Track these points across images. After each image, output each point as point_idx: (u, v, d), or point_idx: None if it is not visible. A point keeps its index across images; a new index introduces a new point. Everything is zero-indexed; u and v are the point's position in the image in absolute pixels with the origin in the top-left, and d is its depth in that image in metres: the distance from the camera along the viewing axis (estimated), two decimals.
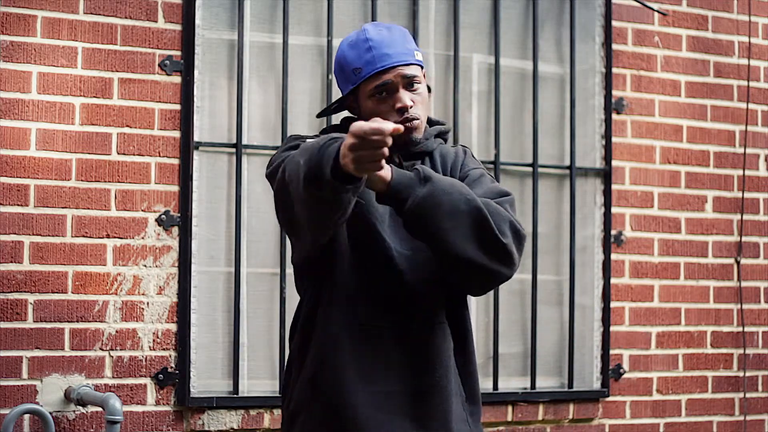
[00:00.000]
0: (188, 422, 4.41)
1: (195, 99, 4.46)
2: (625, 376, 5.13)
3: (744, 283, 5.39)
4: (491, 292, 4.75)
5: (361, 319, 2.85)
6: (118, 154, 4.36)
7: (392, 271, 2.85)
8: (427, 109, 2.95)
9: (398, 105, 2.87)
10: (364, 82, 2.89)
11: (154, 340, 4.38)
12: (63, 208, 4.27)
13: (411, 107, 2.87)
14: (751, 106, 5.43)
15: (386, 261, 2.85)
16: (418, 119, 2.89)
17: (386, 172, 2.68)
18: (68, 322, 4.26)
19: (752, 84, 5.43)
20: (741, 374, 5.37)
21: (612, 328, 5.10)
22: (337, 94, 4.75)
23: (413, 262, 2.87)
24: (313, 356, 2.89)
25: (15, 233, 4.21)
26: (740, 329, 5.38)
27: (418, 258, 2.87)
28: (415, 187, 2.71)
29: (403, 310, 2.86)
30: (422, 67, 2.94)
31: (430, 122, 3.04)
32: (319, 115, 3.13)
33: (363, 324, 2.85)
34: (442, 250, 2.77)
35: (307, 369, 2.90)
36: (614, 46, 5.16)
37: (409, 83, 2.88)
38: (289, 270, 4.60)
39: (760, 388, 5.42)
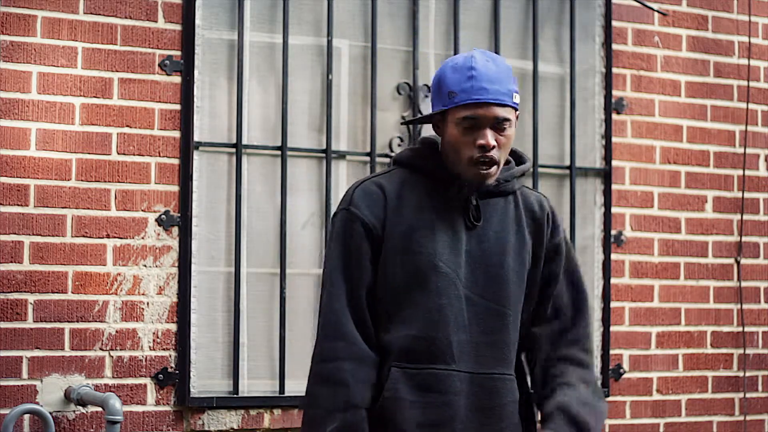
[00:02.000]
0: (188, 422, 4.41)
1: (195, 99, 4.46)
2: (625, 376, 5.13)
3: (744, 283, 5.39)
4: None
5: (425, 364, 2.83)
6: (118, 154, 4.36)
7: (458, 313, 2.85)
8: (508, 152, 2.89)
9: (480, 141, 2.81)
10: (454, 108, 2.83)
11: (154, 340, 4.38)
12: (63, 208, 4.27)
13: (493, 148, 2.82)
14: (751, 106, 5.43)
15: (451, 300, 2.84)
16: (495, 164, 2.84)
17: None
18: (68, 322, 4.26)
19: (752, 84, 5.43)
20: (741, 374, 5.37)
21: (612, 328, 5.10)
22: (337, 94, 4.76)
23: (483, 309, 2.87)
24: (378, 400, 2.86)
25: (15, 233, 4.21)
26: (740, 329, 5.38)
27: (488, 306, 2.87)
28: None
29: (472, 359, 2.85)
30: (516, 110, 2.88)
31: (516, 158, 3.00)
32: (404, 123, 3.10)
33: (430, 368, 2.84)
34: None
35: (373, 412, 2.86)
36: (614, 46, 5.16)
37: (499, 124, 2.83)
38: (290, 270, 4.60)
39: (760, 388, 5.42)
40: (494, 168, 2.84)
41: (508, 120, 2.84)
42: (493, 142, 2.81)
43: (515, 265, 2.90)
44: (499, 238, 2.89)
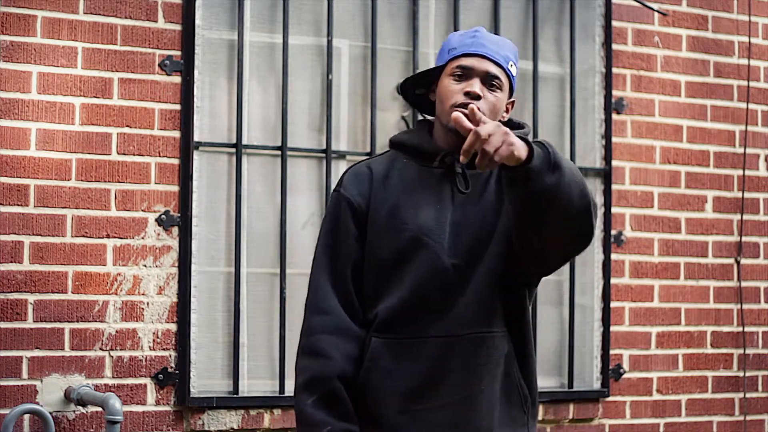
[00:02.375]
0: (188, 422, 4.41)
1: (195, 99, 4.46)
2: (625, 376, 5.13)
3: (744, 283, 5.39)
4: None
5: (406, 333, 2.88)
6: (118, 154, 4.36)
7: (442, 283, 2.88)
8: (495, 116, 2.92)
9: (468, 89, 2.89)
10: (452, 60, 2.93)
11: (154, 340, 4.38)
12: (63, 208, 4.27)
13: (479, 97, 2.88)
14: (751, 106, 5.43)
15: (435, 272, 2.88)
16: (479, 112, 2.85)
17: (523, 151, 2.68)
18: (68, 322, 4.26)
19: (752, 84, 5.43)
20: (741, 374, 5.37)
21: (612, 328, 5.10)
22: (337, 94, 4.76)
23: (467, 275, 2.89)
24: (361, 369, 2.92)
25: (15, 233, 4.21)
26: (740, 329, 5.38)
27: (471, 271, 2.89)
28: (543, 174, 2.72)
29: (452, 322, 2.88)
30: (510, 81, 2.97)
31: (511, 127, 2.99)
32: (402, 87, 3.08)
33: (407, 336, 2.88)
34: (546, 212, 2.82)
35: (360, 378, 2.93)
36: (614, 46, 5.16)
37: (489, 81, 2.91)
38: (290, 270, 4.60)
39: (760, 388, 5.42)
40: (479, 115, 2.83)
41: (498, 79, 2.93)
42: (479, 91, 2.89)
43: (499, 235, 2.91)
44: (483, 207, 2.93)
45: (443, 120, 2.93)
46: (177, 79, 4.45)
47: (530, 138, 2.91)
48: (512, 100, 3.01)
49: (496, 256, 2.91)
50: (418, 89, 3.05)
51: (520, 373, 2.95)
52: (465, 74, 2.91)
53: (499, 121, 2.96)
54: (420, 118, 3.17)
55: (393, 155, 3.02)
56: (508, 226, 2.90)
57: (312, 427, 2.86)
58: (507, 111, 3.00)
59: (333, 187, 4.66)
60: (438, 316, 2.87)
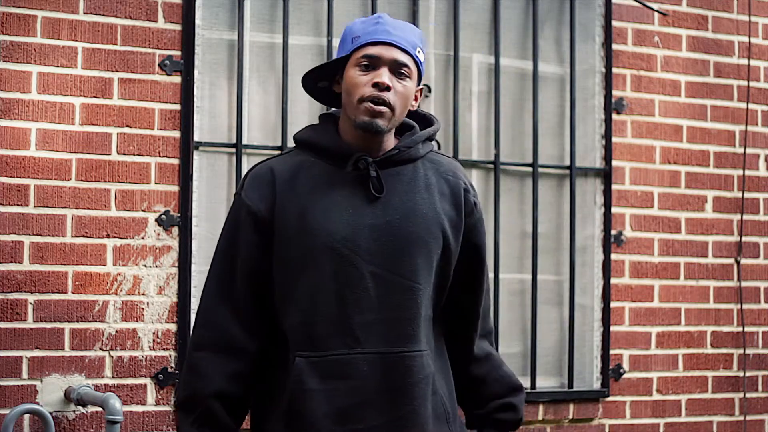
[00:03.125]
0: None
1: (195, 99, 4.46)
2: (625, 376, 5.13)
3: (744, 283, 5.39)
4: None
5: (329, 349, 2.73)
6: (118, 154, 4.36)
7: (361, 294, 2.75)
8: (404, 106, 2.80)
9: (375, 80, 2.74)
10: (357, 50, 2.78)
11: (154, 340, 4.38)
12: (63, 208, 4.27)
13: (388, 89, 2.74)
14: (751, 106, 5.43)
15: (352, 282, 2.75)
16: (387, 106, 2.76)
17: None
18: (68, 322, 4.26)
19: (752, 84, 5.43)
20: (741, 374, 5.37)
21: (612, 328, 5.10)
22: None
23: (390, 284, 2.77)
24: (286, 391, 2.78)
25: (15, 233, 4.21)
26: (740, 329, 5.38)
27: (395, 280, 2.76)
28: None
29: (378, 337, 2.75)
30: (419, 68, 2.83)
31: (425, 122, 2.93)
32: (305, 80, 2.91)
33: (332, 353, 2.73)
34: None
35: (282, 403, 2.79)
36: (614, 46, 5.16)
37: (398, 69, 2.77)
38: None
39: (760, 388, 5.42)
40: (386, 110, 2.76)
41: (407, 66, 2.78)
42: (389, 82, 2.74)
43: (425, 233, 2.79)
44: (406, 207, 2.79)
45: (350, 114, 2.79)
46: (177, 79, 4.45)
47: (436, 128, 2.87)
48: (420, 87, 2.89)
49: (424, 266, 2.79)
50: (321, 81, 2.90)
51: (444, 388, 2.86)
52: (372, 64, 2.76)
53: (409, 110, 2.86)
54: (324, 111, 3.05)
55: (299, 154, 2.86)
56: (443, 243, 2.81)
57: None
58: (416, 99, 2.88)
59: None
60: (362, 330, 2.73)
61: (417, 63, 2.83)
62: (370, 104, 2.75)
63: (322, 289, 2.74)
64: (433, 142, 2.94)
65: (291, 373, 2.75)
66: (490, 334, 3.01)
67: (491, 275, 4.73)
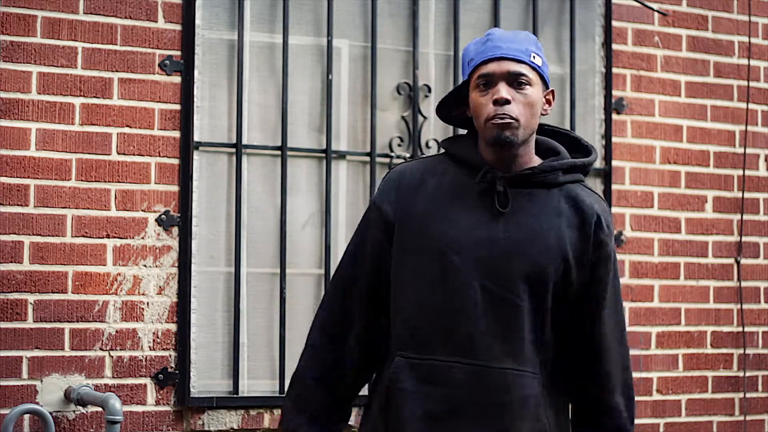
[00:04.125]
0: (188, 422, 4.41)
1: (195, 99, 4.46)
2: None
3: (744, 283, 5.39)
4: None
5: (429, 354, 2.76)
6: (118, 154, 4.36)
7: (467, 305, 2.75)
8: (532, 113, 2.79)
9: (495, 96, 2.75)
10: (472, 72, 2.80)
11: (154, 340, 4.38)
12: (63, 208, 4.27)
13: (508, 102, 2.74)
14: (751, 106, 5.43)
15: (459, 291, 2.76)
16: (511, 119, 2.75)
17: None
18: (68, 322, 4.26)
19: (752, 84, 5.43)
20: (741, 374, 5.37)
21: None
22: (337, 94, 4.76)
23: (498, 299, 2.76)
24: (383, 383, 2.85)
25: (15, 233, 4.21)
26: (740, 329, 5.37)
27: (503, 295, 2.75)
28: None
29: (480, 350, 2.74)
30: (541, 74, 2.81)
31: (581, 150, 2.92)
32: (438, 111, 2.96)
33: (434, 360, 2.76)
34: None
35: (381, 393, 2.86)
36: (614, 46, 5.16)
37: (515, 80, 2.76)
38: (290, 270, 4.60)
39: (760, 388, 5.42)
40: (512, 121, 2.75)
41: (524, 75, 2.77)
42: (506, 95, 2.74)
43: (544, 257, 2.76)
44: (531, 228, 2.77)
45: (483, 135, 2.80)
46: (177, 79, 4.45)
47: (587, 161, 2.88)
48: (550, 89, 2.86)
49: (536, 288, 2.77)
50: (454, 110, 2.92)
51: (552, 419, 2.82)
52: (488, 81, 2.77)
53: (571, 137, 2.92)
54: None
55: (436, 160, 2.90)
56: (562, 271, 2.78)
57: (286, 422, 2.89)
58: (549, 103, 2.86)
59: (336, 187, 4.69)
60: (465, 340, 2.73)
61: (535, 68, 2.81)
62: (496, 120, 2.75)
63: (430, 294, 2.77)
64: (579, 174, 2.92)
65: (391, 371, 2.80)
66: (627, 390, 3.07)
67: None
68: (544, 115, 2.85)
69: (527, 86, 2.77)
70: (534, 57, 2.79)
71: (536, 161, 2.85)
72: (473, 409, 2.74)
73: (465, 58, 2.86)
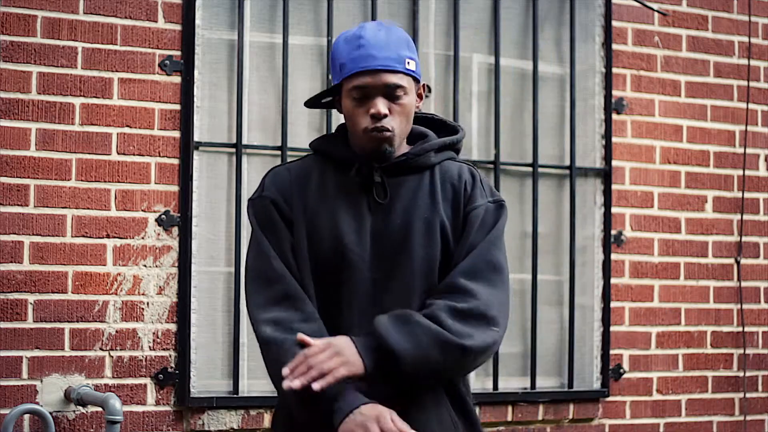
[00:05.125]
0: (188, 422, 4.41)
1: (195, 99, 4.46)
2: (625, 376, 5.13)
3: (744, 283, 5.39)
4: None
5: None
6: (118, 154, 4.36)
7: (365, 298, 2.76)
8: (407, 119, 2.78)
9: (371, 111, 2.72)
10: (346, 80, 2.75)
11: (154, 340, 4.38)
12: (63, 208, 4.27)
13: (385, 116, 2.73)
14: (751, 106, 5.43)
15: (358, 287, 2.76)
16: (389, 132, 2.75)
17: (356, 367, 2.61)
18: (68, 322, 4.26)
19: (752, 84, 5.43)
20: (741, 374, 5.37)
21: (612, 328, 5.10)
22: None
23: (389, 290, 2.76)
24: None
25: (15, 233, 4.21)
26: (740, 329, 5.38)
27: (392, 286, 2.75)
28: (388, 376, 2.64)
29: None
30: (414, 78, 2.79)
31: (447, 130, 2.91)
32: (306, 104, 2.94)
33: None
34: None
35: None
36: (614, 46, 5.16)
37: (391, 92, 2.74)
38: None
39: (760, 388, 5.42)
40: (389, 134, 2.74)
41: (400, 87, 2.73)
42: (384, 110, 2.72)
43: (424, 240, 2.76)
44: (407, 214, 2.77)
45: (357, 141, 2.79)
46: (177, 79, 4.45)
47: (454, 138, 2.84)
48: (421, 84, 2.84)
49: (423, 271, 2.77)
50: (324, 98, 2.89)
51: (451, 397, 2.81)
52: (364, 94, 2.73)
53: (433, 118, 2.88)
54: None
55: (311, 160, 2.88)
56: (442, 249, 2.75)
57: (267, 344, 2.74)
58: (420, 98, 2.84)
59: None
60: (359, 333, 2.70)
61: (409, 74, 2.78)
62: (374, 134, 2.75)
63: (328, 294, 2.77)
64: (450, 152, 2.90)
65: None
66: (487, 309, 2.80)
67: None
68: (416, 111, 2.85)
69: (403, 96, 2.76)
70: (408, 63, 2.77)
71: (406, 148, 2.86)
72: (373, 394, 2.69)
73: (336, 59, 2.80)
